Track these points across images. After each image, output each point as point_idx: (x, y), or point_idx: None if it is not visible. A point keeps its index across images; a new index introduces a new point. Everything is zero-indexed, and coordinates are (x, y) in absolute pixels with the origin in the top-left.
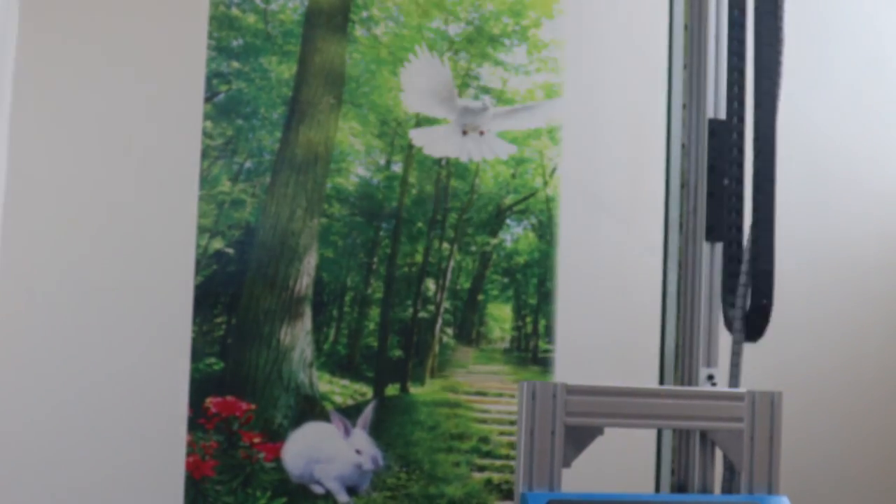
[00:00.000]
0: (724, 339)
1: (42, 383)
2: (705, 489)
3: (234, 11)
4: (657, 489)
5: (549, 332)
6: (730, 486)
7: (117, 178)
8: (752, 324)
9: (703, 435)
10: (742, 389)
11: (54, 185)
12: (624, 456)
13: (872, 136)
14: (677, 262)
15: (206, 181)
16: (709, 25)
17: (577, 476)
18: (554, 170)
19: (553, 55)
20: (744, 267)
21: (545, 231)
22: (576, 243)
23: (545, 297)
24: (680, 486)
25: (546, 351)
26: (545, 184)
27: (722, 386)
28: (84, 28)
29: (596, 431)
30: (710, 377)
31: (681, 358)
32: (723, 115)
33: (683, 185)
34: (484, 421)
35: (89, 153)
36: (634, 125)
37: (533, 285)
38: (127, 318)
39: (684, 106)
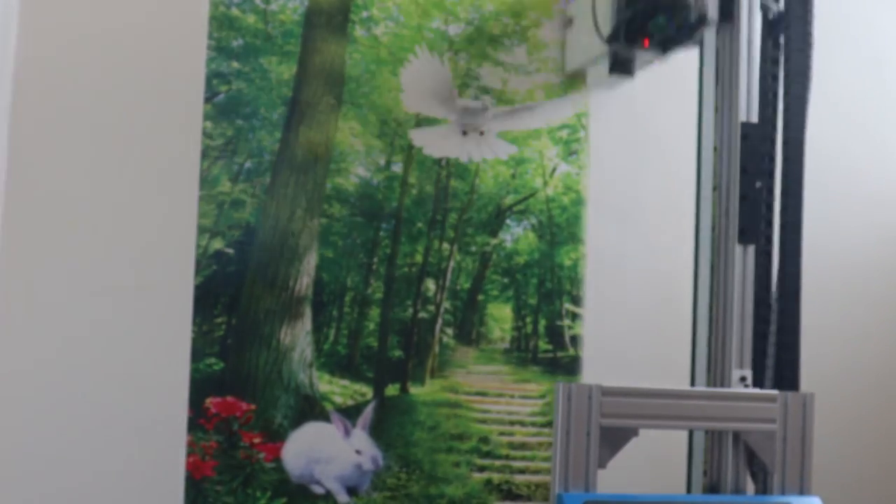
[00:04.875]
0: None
1: (42, 383)
2: (738, 490)
3: (234, 11)
4: (688, 490)
5: (549, 333)
6: (763, 486)
7: (117, 178)
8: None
9: (736, 436)
10: (774, 391)
11: (54, 185)
12: (653, 457)
13: (873, 138)
14: (709, 265)
15: (206, 181)
16: (741, 29)
17: (609, 477)
18: (554, 170)
19: (553, 55)
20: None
21: (545, 231)
22: (604, 245)
23: (545, 297)
24: (713, 487)
25: (545, 351)
26: (545, 184)
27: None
28: (84, 28)
29: (630, 432)
30: (743, 378)
31: (713, 359)
32: (755, 119)
33: (716, 187)
34: (484, 421)
35: (89, 153)
36: (662, 128)
37: (533, 285)
38: (127, 318)
39: (716, 109)
